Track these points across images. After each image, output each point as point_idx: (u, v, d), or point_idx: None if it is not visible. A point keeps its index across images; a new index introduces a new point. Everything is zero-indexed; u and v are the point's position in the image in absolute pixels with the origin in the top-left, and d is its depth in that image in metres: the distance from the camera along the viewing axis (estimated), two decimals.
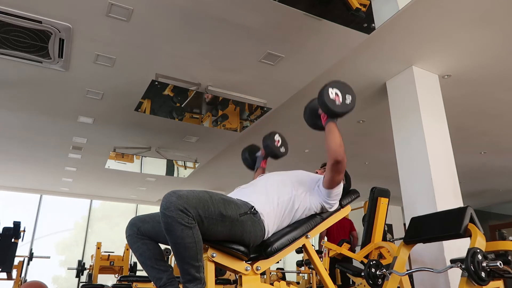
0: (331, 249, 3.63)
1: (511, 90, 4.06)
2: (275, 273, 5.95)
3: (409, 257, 2.48)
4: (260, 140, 2.33)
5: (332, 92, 1.70)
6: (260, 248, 1.63)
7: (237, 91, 3.90)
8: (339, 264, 3.45)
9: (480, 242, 1.85)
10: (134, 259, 6.24)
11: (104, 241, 6.30)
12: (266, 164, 2.31)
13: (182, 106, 4.04)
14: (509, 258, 1.90)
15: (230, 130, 4.85)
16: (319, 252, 3.93)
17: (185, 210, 1.33)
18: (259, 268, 1.60)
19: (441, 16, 2.92)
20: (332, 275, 4.20)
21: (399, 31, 3.09)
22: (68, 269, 7.23)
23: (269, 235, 1.65)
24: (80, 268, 6.73)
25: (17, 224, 5.01)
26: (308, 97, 1.99)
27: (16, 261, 5.13)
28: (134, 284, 4.02)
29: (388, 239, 5.86)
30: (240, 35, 3.08)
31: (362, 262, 3.23)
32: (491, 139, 5.51)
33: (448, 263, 2.60)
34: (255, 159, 2.32)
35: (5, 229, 4.95)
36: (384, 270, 2.14)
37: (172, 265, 5.11)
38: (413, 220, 2.31)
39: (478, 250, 1.75)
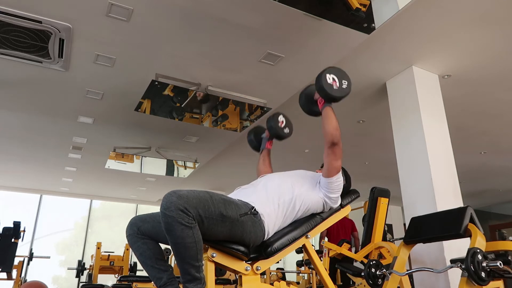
0: (331, 249, 3.63)
1: (511, 90, 4.06)
2: (275, 273, 5.95)
3: (409, 257, 2.48)
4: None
5: (330, 77, 1.77)
6: (260, 248, 1.63)
7: (237, 91, 3.91)
8: (339, 264, 3.45)
9: (480, 242, 1.85)
10: (134, 259, 6.24)
11: (104, 241, 6.31)
12: (272, 145, 2.28)
13: (182, 106, 4.04)
14: (509, 258, 1.90)
15: (230, 130, 4.85)
16: (319, 252, 3.93)
17: (186, 210, 1.33)
18: (259, 268, 1.61)
19: (441, 16, 2.92)
20: (332, 275, 4.20)
21: (399, 31, 3.09)
22: (68, 269, 7.23)
23: (269, 236, 1.65)
24: (80, 268, 6.73)
25: (17, 224, 5.01)
26: None
27: (16, 261, 5.13)
28: (134, 284, 4.02)
29: (388, 239, 5.86)
30: (240, 35, 3.08)
31: (362, 262, 3.24)
32: (491, 139, 5.51)
33: (448, 263, 2.60)
34: (261, 141, 2.31)
35: (5, 229, 4.95)
36: (384, 270, 2.14)
37: (172, 265, 5.11)
38: (413, 220, 2.31)
39: (478, 250, 1.75)
